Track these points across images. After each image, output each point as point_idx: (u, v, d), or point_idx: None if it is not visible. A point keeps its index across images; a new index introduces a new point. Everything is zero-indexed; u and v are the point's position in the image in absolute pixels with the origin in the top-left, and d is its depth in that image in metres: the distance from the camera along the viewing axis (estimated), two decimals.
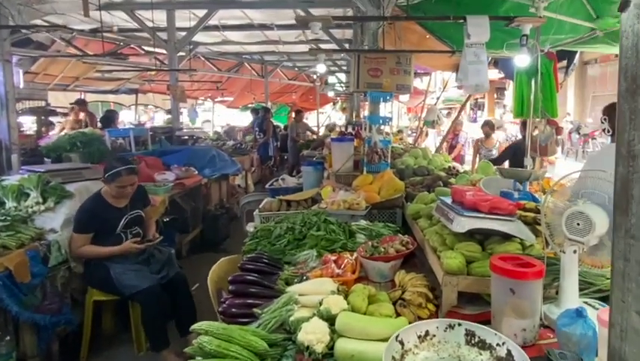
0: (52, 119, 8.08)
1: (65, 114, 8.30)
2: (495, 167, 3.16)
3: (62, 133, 6.45)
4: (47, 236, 2.97)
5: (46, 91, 9.38)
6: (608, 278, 1.67)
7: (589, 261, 1.60)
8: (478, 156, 6.04)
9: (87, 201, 3.09)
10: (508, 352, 0.93)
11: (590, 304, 1.55)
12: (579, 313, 1.27)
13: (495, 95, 17.44)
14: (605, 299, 1.62)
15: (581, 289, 1.57)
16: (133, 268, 3.00)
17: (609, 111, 3.39)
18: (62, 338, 3.03)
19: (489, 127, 6.25)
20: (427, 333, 1.01)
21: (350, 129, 6.69)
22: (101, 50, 6.98)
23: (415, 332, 1.01)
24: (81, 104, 8.04)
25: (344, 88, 14.24)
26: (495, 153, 5.82)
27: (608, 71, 10.09)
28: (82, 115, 7.68)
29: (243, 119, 16.90)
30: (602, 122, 3.11)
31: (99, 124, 7.63)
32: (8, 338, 2.56)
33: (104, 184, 3.10)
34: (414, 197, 2.75)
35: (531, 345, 1.41)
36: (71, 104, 8.06)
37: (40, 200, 3.17)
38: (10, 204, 3.10)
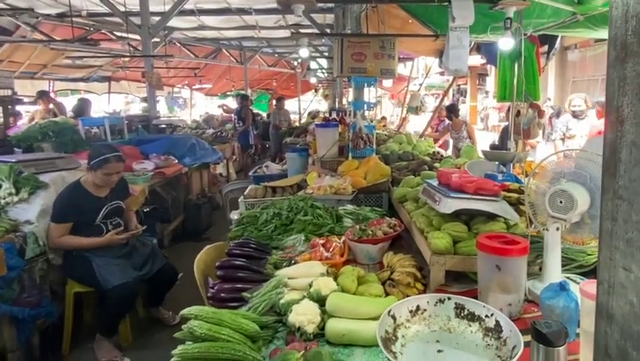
0: (19, 108, 7.82)
1: (33, 103, 8.06)
2: (480, 150, 3.24)
3: (33, 123, 6.27)
4: (23, 228, 2.92)
5: (11, 79, 9.05)
6: (589, 254, 1.77)
7: (570, 238, 1.68)
8: (449, 139, 6.19)
9: (66, 190, 3.04)
10: (497, 323, 0.98)
11: (572, 279, 1.63)
12: (562, 287, 1.34)
13: (477, 82, 17.68)
14: (586, 274, 1.70)
15: (563, 265, 1.65)
16: (115, 261, 2.98)
17: None
18: (43, 331, 3.00)
19: (449, 111, 6.43)
20: (418, 308, 1.06)
21: (334, 115, 6.70)
22: (70, 36, 6.77)
23: (407, 306, 1.05)
24: (44, 95, 7.82)
25: (326, 74, 14.20)
26: (464, 135, 6.01)
27: (587, 56, 10.34)
28: (52, 105, 7.49)
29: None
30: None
31: (70, 113, 7.44)
32: None
33: (87, 172, 3.06)
34: (399, 181, 2.80)
35: (516, 319, 1.48)
36: (35, 97, 7.84)
37: (14, 191, 3.10)
38: None
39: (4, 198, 3.04)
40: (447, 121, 6.38)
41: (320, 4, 4.59)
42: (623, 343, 0.56)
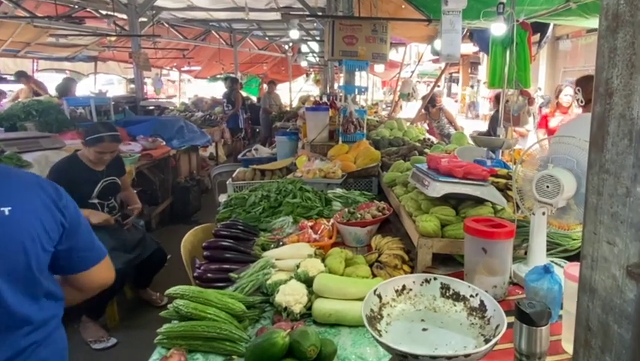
0: (3, 87, 7.66)
1: (16, 81, 7.88)
2: (469, 136, 3.26)
3: (16, 102, 6.14)
4: None
5: None
6: (574, 239, 1.80)
7: (556, 223, 1.71)
8: (430, 126, 6.23)
9: (62, 161, 2.99)
10: (481, 302, 1.00)
11: (556, 263, 1.66)
12: (546, 269, 1.36)
13: (469, 70, 17.71)
14: (570, 259, 1.73)
15: (548, 249, 1.67)
16: (108, 247, 2.95)
17: (582, 83, 3.53)
18: None
19: (424, 100, 6.48)
20: (403, 287, 1.06)
21: (325, 99, 6.66)
22: (54, 13, 6.59)
23: (393, 286, 1.06)
24: (23, 76, 7.64)
25: (318, 59, 14.06)
26: (445, 121, 6.06)
27: (579, 45, 10.40)
28: (34, 84, 7.33)
29: (212, 90, 16.48)
30: (576, 93, 3.24)
31: (54, 92, 7.29)
32: None
33: (83, 146, 3.02)
34: (389, 166, 2.81)
35: (501, 300, 1.51)
36: (15, 78, 7.66)
37: None
38: None
39: None
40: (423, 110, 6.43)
41: None
42: (604, 317, 0.57)
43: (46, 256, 1.21)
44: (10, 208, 1.14)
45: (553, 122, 4.48)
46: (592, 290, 0.59)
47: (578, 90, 3.22)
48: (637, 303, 0.53)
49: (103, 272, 1.40)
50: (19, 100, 6.55)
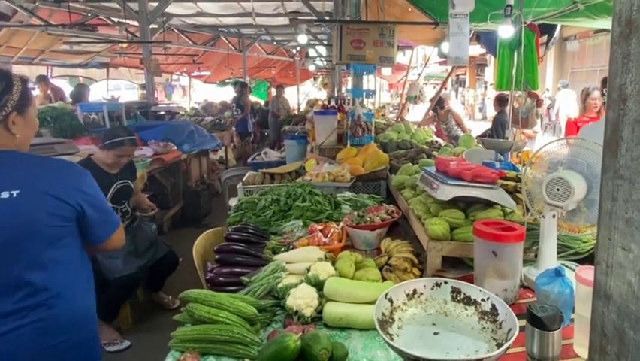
0: None
1: (33, 89, 8.01)
2: (477, 139, 3.24)
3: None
4: None
5: (9, 64, 8.98)
6: (584, 242, 1.77)
7: (566, 226, 1.69)
8: (438, 128, 6.23)
9: (77, 163, 3.03)
10: (493, 306, 0.99)
11: (567, 266, 1.63)
12: (557, 273, 1.35)
13: (476, 72, 17.59)
14: (581, 261, 1.71)
15: (558, 253, 1.65)
16: (119, 253, 2.97)
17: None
18: None
19: (432, 102, 6.47)
20: (414, 291, 1.06)
21: (333, 103, 6.67)
22: (67, 21, 6.69)
23: (404, 290, 1.06)
24: (43, 80, 7.79)
25: (325, 63, 14.08)
26: (453, 123, 6.04)
27: (586, 46, 10.29)
28: (50, 90, 7.45)
29: (221, 94, 16.58)
30: (604, 95, 3.17)
31: (69, 99, 7.39)
32: None
33: (100, 150, 3.07)
34: (397, 169, 2.80)
35: (512, 304, 1.49)
36: (34, 82, 7.82)
37: None
38: None
39: None
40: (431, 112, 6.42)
41: None
42: (620, 323, 0.56)
43: (55, 231, 1.42)
44: (18, 191, 1.36)
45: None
46: (607, 296, 0.58)
47: (606, 91, 3.17)
48: None
49: (117, 240, 1.65)
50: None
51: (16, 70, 9.37)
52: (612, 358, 0.58)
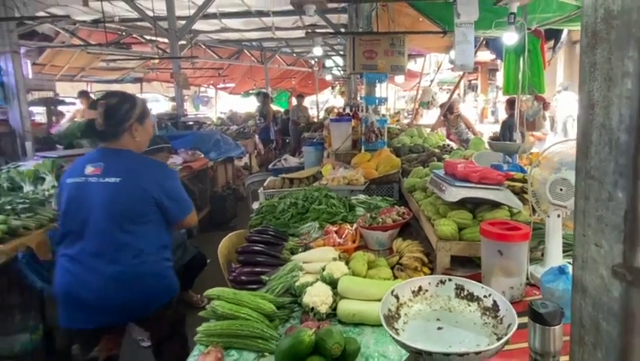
0: (61, 108, 8.09)
1: (73, 104, 8.33)
2: (486, 142, 3.20)
3: (74, 121, 6.48)
4: None
5: (53, 82, 9.34)
6: None
7: (571, 225, 1.66)
8: (448, 132, 6.16)
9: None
10: (494, 302, 0.99)
11: (572, 264, 1.60)
12: (562, 270, 1.33)
13: (487, 76, 17.28)
14: None
15: (564, 251, 1.63)
16: None
17: None
18: None
19: (442, 107, 6.41)
20: (420, 288, 1.07)
21: (348, 110, 6.68)
22: (104, 40, 6.92)
23: (410, 287, 1.06)
24: (84, 95, 8.11)
25: (342, 72, 14.11)
26: (463, 127, 5.97)
27: None
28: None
29: (246, 105, 16.80)
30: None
31: None
32: (35, 311, 2.64)
33: None
34: (409, 172, 2.79)
35: (518, 301, 1.48)
36: (77, 96, 8.18)
37: (56, 183, 3.21)
38: (27, 188, 3.15)
39: (47, 191, 3.15)
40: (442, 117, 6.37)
41: (331, 5, 4.56)
42: (595, 314, 0.57)
43: (141, 210, 1.86)
44: (120, 179, 1.83)
45: None
46: (584, 290, 0.59)
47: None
48: (622, 301, 0.53)
49: (189, 220, 2.07)
50: (76, 119, 6.90)
51: (59, 86, 9.74)
52: (590, 348, 0.58)
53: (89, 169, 1.87)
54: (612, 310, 0.54)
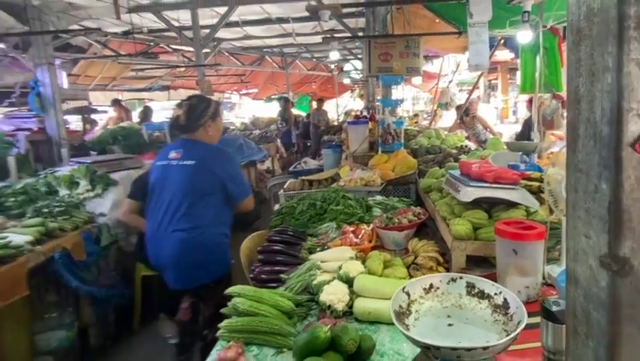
0: (94, 116, 8.40)
1: (105, 112, 8.63)
2: (504, 142, 3.14)
3: (106, 128, 6.72)
4: (97, 219, 3.15)
5: (87, 91, 9.69)
6: None
7: None
8: (464, 133, 6.05)
9: (144, 173, 3.13)
10: (505, 300, 0.98)
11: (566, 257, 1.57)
12: None
13: (508, 75, 16.86)
14: None
15: None
16: None
17: None
18: (117, 309, 3.23)
19: (458, 110, 6.30)
20: (431, 286, 1.07)
21: (365, 113, 6.66)
22: (134, 51, 7.14)
23: (421, 285, 1.07)
24: (116, 103, 8.40)
25: (360, 75, 14.07)
26: (480, 128, 5.85)
27: None
28: (122, 112, 8.02)
29: (268, 110, 16.96)
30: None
31: (137, 119, 7.89)
32: (70, 309, 2.76)
33: None
34: (426, 173, 2.78)
35: (534, 301, 1.45)
36: (110, 104, 8.48)
37: (90, 188, 3.35)
38: (63, 191, 3.29)
39: (82, 194, 3.29)
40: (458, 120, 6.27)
41: (347, 10, 4.58)
42: (586, 305, 0.57)
43: (207, 189, 2.22)
44: (194, 162, 2.22)
45: None
46: (576, 281, 0.59)
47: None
48: (609, 290, 0.53)
49: (247, 204, 2.41)
50: (108, 127, 7.15)
51: (92, 96, 10.10)
52: (582, 338, 0.58)
53: (172, 154, 2.28)
54: (601, 300, 0.54)
